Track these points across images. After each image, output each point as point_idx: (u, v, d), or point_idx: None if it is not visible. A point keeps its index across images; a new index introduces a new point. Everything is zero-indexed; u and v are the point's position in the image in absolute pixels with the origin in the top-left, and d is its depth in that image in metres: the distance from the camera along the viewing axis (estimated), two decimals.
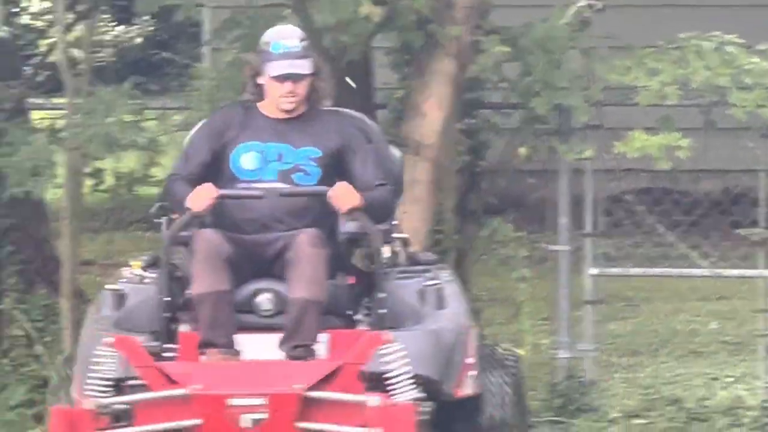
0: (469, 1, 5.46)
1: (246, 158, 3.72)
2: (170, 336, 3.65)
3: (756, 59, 5.40)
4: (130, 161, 6.37)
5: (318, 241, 3.52)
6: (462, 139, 5.86)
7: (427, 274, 3.89)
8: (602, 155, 5.71)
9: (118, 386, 3.35)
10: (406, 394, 3.21)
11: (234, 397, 3.18)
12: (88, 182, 6.07)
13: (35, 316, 6.03)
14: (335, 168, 3.69)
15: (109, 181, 6.21)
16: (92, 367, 3.32)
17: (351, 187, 3.53)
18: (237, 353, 3.51)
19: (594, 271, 5.80)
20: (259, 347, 3.62)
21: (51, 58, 7.11)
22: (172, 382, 3.27)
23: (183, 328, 3.70)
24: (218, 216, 3.68)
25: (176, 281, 3.75)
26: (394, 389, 3.19)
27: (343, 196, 3.49)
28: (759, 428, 5.62)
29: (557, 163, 5.77)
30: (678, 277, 6.42)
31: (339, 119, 3.89)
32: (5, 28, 5.25)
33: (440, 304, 3.72)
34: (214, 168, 3.70)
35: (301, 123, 3.78)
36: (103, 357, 3.31)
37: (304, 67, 3.62)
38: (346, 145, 3.76)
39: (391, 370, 3.19)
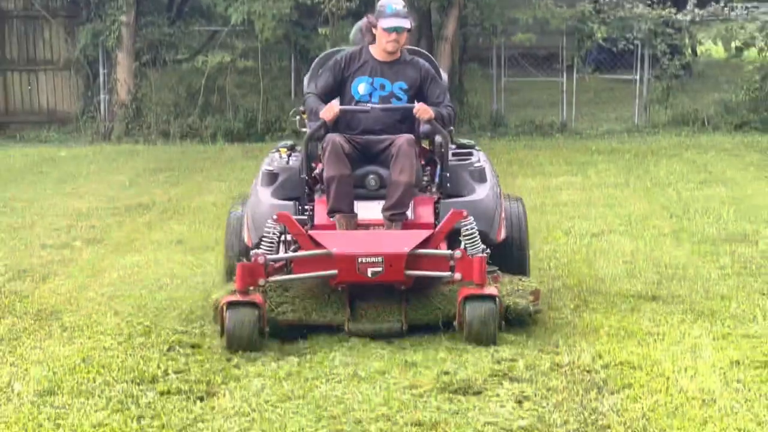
0: None
1: (361, 86, 5.19)
2: (308, 199, 5.19)
3: None
4: None
5: (413, 142, 4.98)
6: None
7: (472, 158, 5.52)
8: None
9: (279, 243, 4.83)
10: (477, 248, 4.69)
11: (362, 256, 4.51)
12: None
13: None
14: (417, 94, 5.22)
15: None
16: (263, 232, 4.82)
17: (427, 106, 5.06)
18: (355, 216, 4.96)
19: None
20: (368, 211, 5.04)
21: None
22: (318, 245, 4.62)
23: (316, 195, 5.20)
24: (339, 123, 5.09)
25: (309, 164, 5.21)
26: (469, 244, 4.68)
27: (423, 110, 5.00)
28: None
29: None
30: None
31: (418, 61, 5.34)
32: None
33: (483, 178, 5.31)
34: (336, 91, 5.23)
35: (396, 65, 5.23)
36: (269, 227, 4.78)
37: (406, 23, 5.07)
38: (423, 78, 5.26)
39: (468, 233, 4.70)
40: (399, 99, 5.17)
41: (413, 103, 5.11)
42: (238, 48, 15.71)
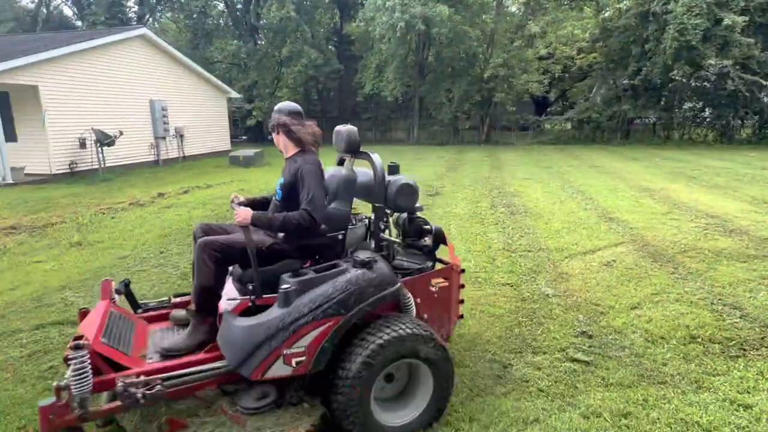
0: None
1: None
2: None
3: None
4: None
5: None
6: None
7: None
8: None
9: None
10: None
11: None
12: None
13: None
14: (291, 190, 4.61)
15: None
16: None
17: (248, 213, 4.28)
18: None
19: None
20: None
21: None
22: None
23: None
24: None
25: None
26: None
27: (240, 217, 4.33)
28: None
29: None
30: None
31: (297, 160, 4.64)
32: None
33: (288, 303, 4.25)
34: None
35: (288, 162, 4.74)
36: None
37: (274, 120, 4.63)
38: (295, 177, 4.55)
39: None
40: (278, 194, 4.79)
41: (288, 198, 4.66)
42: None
